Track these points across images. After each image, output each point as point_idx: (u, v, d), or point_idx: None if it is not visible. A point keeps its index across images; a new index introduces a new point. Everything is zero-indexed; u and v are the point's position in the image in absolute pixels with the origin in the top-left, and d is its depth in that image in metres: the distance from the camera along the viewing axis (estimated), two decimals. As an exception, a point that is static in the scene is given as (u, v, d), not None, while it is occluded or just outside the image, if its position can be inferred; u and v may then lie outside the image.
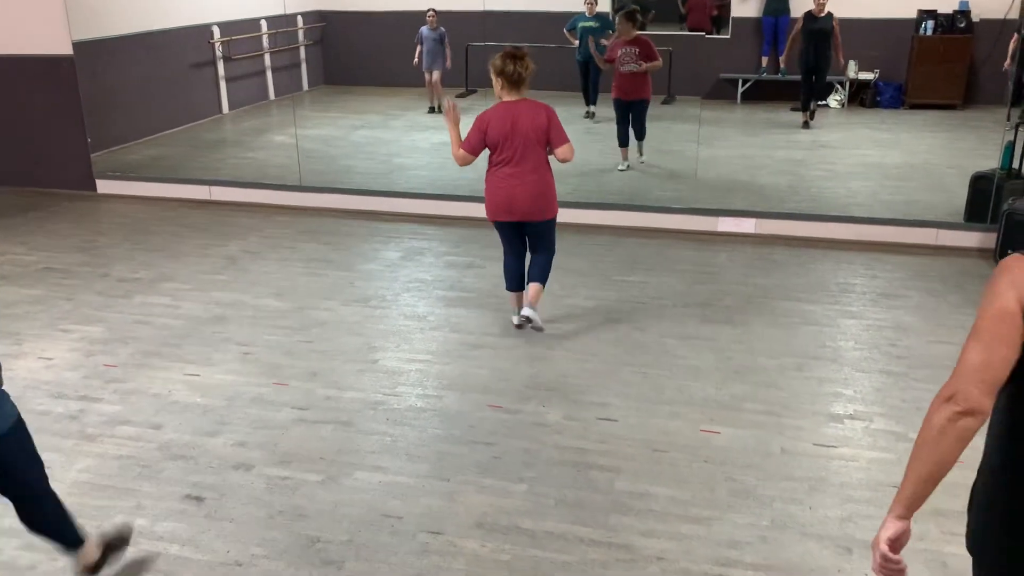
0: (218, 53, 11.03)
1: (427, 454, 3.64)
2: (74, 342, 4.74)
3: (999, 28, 10.31)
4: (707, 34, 11.97)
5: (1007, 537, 1.73)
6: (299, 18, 12.94)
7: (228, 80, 11.43)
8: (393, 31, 12.60)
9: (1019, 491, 1.70)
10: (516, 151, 4.41)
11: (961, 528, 1.89)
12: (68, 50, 7.66)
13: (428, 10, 10.99)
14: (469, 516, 3.23)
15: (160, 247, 6.35)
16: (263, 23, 11.92)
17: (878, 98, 11.53)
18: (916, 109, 10.92)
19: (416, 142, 9.93)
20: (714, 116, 10.51)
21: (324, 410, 4.00)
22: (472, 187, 7.16)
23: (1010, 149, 6.36)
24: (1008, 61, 8.42)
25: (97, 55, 8.32)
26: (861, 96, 11.65)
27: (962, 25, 10.67)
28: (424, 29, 11.11)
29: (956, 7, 10.71)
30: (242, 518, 3.24)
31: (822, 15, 9.70)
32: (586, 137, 9.56)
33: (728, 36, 11.95)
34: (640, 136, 8.24)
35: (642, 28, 8.19)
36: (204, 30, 10.81)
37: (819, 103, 10.71)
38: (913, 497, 1.69)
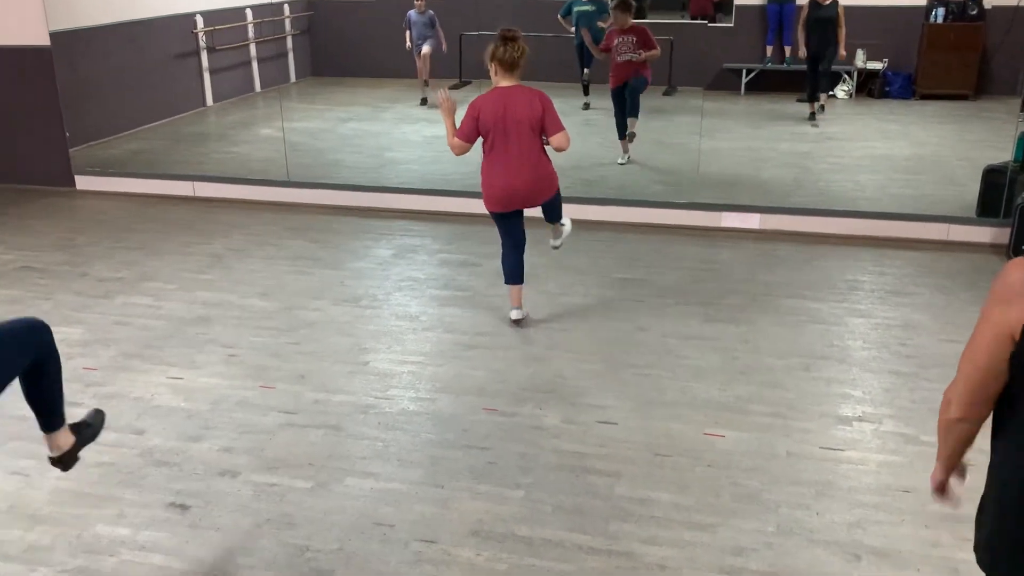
0: (201, 43, 11.01)
1: (420, 459, 3.64)
2: (52, 344, 4.73)
3: (1012, 15, 10.33)
4: (710, 22, 11.97)
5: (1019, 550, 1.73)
6: (286, 7, 12.91)
7: (212, 71, 11.41)
8: (383, 20, 12.59)
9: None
10: (509, 138, 4.43)
11: (972, 533, 1.89)
12: (45, 41, 7.64)
13: None
14: (464, 524, 3.23)
15: (142, 245, 6.33)
16: (248, 12, 11.90)
17: (887, 88, 11.55)
18: (926, 99, 10.94)
19: (407, 135, 9.93)
20: (717, 107, 10.52)
21: (313, 414, 4.00)
22: (465, 182, 7.15)
23: (1024, 141, 6.38)
24: None
25: (75, 46, 8.30)
26: (869, 86, 11.66)
27: (974, 12, 10.69)
28: (412, 13, 11.10)
29: (967, -6, 10.74)
30: (228, 527, 3.23)
31: (827, 2, 9.69)
32: (584, 129, 9.56)
33: (731, 24, 11.96)
34: (633, 111, 8.00)
35: (640, 16, 8.15)
36: (187, 19, 10.78)
37: (826, 94, 10.71)
38: (948, 462, 1.95)
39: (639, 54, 7.74)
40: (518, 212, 4.70)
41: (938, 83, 10.95)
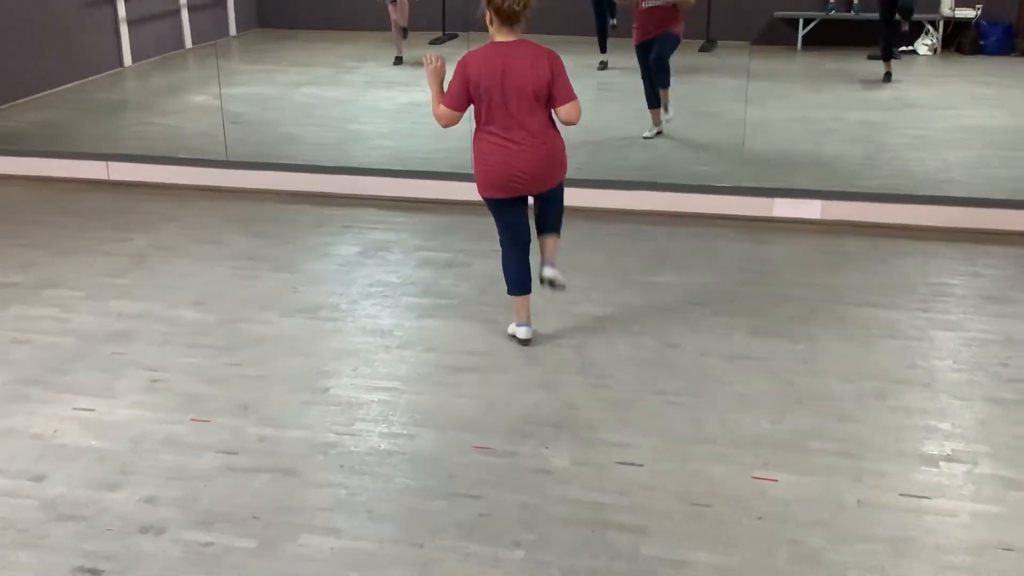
0: (118, -12, 11.04)
1: (394, 512, 3.63)
2: (-70, 368, 4.72)
3: None
4: (757, -40, 12.01)
5: None
6: (224, -59, 12.98)
7: (131, 23, 11.42)
8: (347, -42, 12.64)
9: None
10: (509, 106, 4.42)
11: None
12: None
13: None
14: (450, 592, 3.22)
15: (43, 242, 6.33)
16: (177, -52, 11.94)
17: (980, 42, 11.58)
18: (1030, 56, 10.98)
19: (377, 103, 9.94)
20: (767, 67, 10.54)
21: (259, 455, 3.99)
22: (452, 161, 7.16)
23: None
24: None
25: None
26: (958, 40, 11.70)
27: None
28: None
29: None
30: (151, 597, 3.22)
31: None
32: (599, 96, 9.59)
33: (784, -38, 12.01)
34: (662, 82, 8.05)
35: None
36: (99, -42, 10.81)
37: (904, 49, 10.75)
38: None
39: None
40: (520, 199, 4.70)
41: (1045, 36, 10.99)
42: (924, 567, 3.32)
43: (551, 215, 4.83)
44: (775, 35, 12.12)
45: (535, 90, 4.42)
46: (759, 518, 3.57)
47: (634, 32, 8.03)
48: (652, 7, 7.78)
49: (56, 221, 6.73)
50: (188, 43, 12.50)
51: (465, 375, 4.61)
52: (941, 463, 3.90)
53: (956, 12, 11.42)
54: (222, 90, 8.91)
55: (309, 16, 13.62)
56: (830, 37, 11.92)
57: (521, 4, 4.39)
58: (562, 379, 4.57)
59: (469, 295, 5.46)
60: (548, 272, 4.86)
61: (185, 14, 12.41)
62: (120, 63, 11.36)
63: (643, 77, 8.14)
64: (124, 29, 11.31)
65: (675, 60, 8.04)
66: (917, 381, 4.53)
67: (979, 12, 11.41)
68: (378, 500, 3.70)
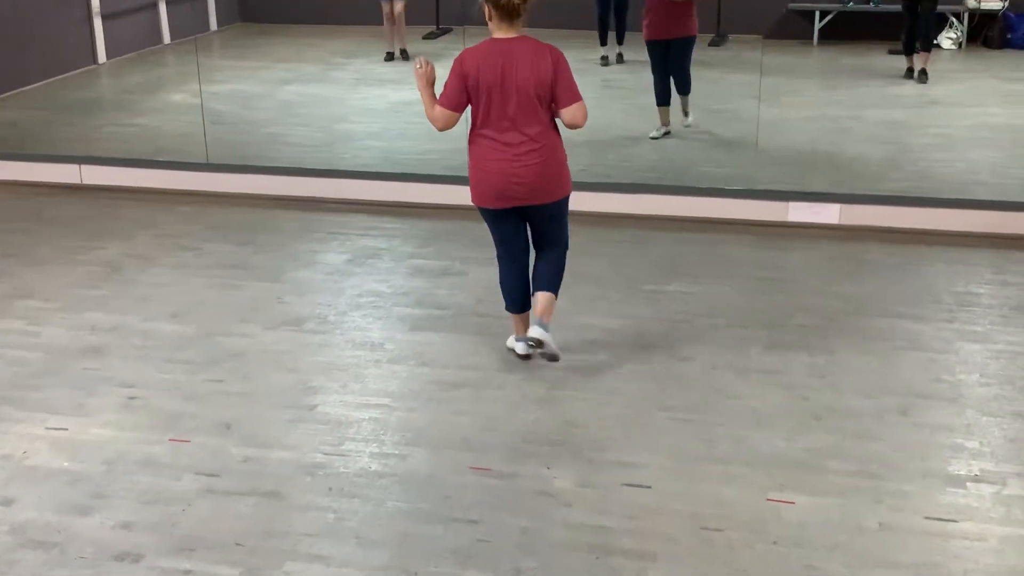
0: (92, -20, 11.06)
1: (385, 537, 3.63)
2: None
3: None
4: (770, -52, 12.04)
5: None
6: (204, -70, 13.00)
7: (105, 17, 11.44)
8: (335, -52, 12.67)
9: None
10: (507, 107, 4.40)
11: None
12: None
13: None
14: (445, 623, 3.22)
15: (11, 251, 6.33)
16: (154, -62, 11.97)
17: (1008, 35, 11.59)
18: (1062, 50, 11.01)
19: (368, 101, 9.95)
20: (781, 62, 10.55)
21: (241, 476, 3.99)
22: (446, 162, 7.16)
23: None
24: None
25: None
26: (985, 33, 11.71)
27: None
28: None
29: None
30: (127, 629, 3.22)
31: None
32: (603, 93, 9.60)
33: (799, -49, 12.03)
34: (683, 89, 8.24)
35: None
36: (72, -52, 10.83)
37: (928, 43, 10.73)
38: None
39: None
40: (517, 211, 4.63)
41: (1078, 28, 11.02)
42: (950, 595, 3.32)
43: (548, 266, 4.70)
44: (789, 28, 12.14)
45: (537, 90, 4.39)
46: (774, 543, 3.56)
47: (645, 27, 8.06)
48: (669, 2, 7.84)
49: (25, 228, 6.73)
50: (166, 38, 12.51)
51: (461, 391, 4.61)
52: (968, 484, 3.89)
53: (982, 4, 11.44)
54: (202, 88, 8.91)
55: (295, 9, 13.64)
56: (848, 31, 11.93)
57: None
58: (564, 395, 4.56)
59: (465, 306, 5.46)
60: (537, 332, 4.57)
61: (163, 8, 12.43)
62: (94, 60, 11.37)
63: (654, 72, 8.20)
64: (98, 23, 11.33)
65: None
66: (942, 396, 4.52)
67: (1006, 3, 11.42)
68: (368, 525, 3.69)
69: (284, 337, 5.14)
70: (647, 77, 8.24)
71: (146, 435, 4.28)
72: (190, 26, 12.78)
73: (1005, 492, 3.84)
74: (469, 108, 4.54)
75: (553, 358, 4.67)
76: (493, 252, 4.87)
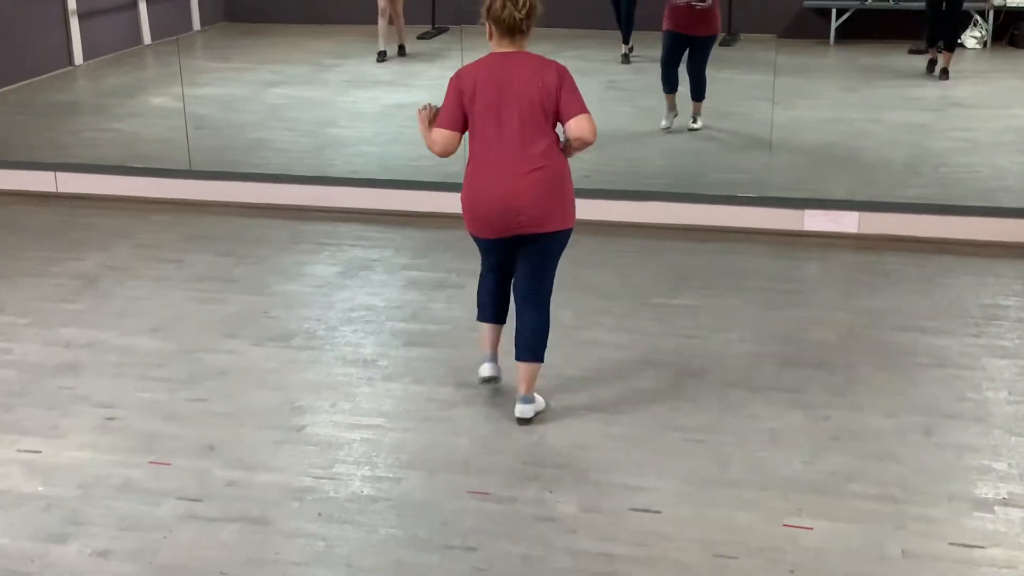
0: (68, -23, 11.09)
1: (378, 565, 3.62)
2: None
3: None
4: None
5: None
6: (186, -75, 13.04)
7: (82, 17, 11.46)
8: (325, -57, 12.70)
9: None
10: (504, 124, 4.24)
11: None
12: None
13: None
14: (442, 657, 3.21)
15: (-18, 263, 6.34)
16: (134, -67, 12.01)
17: (1035, 34, 11.61)
18: (1092, 49, 11.03)
19: (359, 104, 9.96)
20: (796, 63, 10.57)
21: (225, 501, 3.98)
22: (443, 170, 7.12)
23: None
24: None
25: None
26: (1011, 31, 11.74)
27: None
28: None
29: None
30: (104, 664, 3.21)
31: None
32: (608, 95, 9.61)
33: (815, -54, 12.07)
34: (698, 94, 8.39)
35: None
36: (47, -57, 10.86)
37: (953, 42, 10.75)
38: None
39: None
40: (515, 242, 4.36)
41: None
42: (979, 626, 3.31)
43: (528, 325, 4.45)
44: (805, 27, 12.16)
45: (542, 103, 4.22)
46: (791, 571, 3.55)
47: (666, 20, 8.29)
48: (688, 4, 8.03)
49: (-3, 239, 6.74)
50: (147, 39, 12.55)
51: (458, 410, 4.60)
52: (996, 508, 3.89)
53: (1008, 1, 11.47)
54: (185, 91, 8.92)
55: (282, 8, 13.67)
56: (866, 29, 11.97)
57: (524, 10, 4.20)
58: (568, 414, 4.56)
59: (462, 320, 5.45)
60: (524, 410, 4.47)
61: (143, 7, 12.46)
62: (70, 61, 11.39)
63: (664, 61, 8.39)
64: (74, 23, 11.35)
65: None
66: (968, 415, 4.52)
67: (1034, 0, 11.46)
68: (361, 553, 3.68)
69: (271, 354, 5.13)
70: (652, 77, 8.29)
71: (124, 458, 4.27)
72: (172, 26, 12.82)
73: (1036, 517, 3.84)
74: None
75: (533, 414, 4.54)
76: (480, 263, 4.77)
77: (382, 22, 11.42)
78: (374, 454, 4.28)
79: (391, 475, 4.13)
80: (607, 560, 3.62)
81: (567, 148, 4.35)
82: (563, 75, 4.27)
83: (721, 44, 11.16)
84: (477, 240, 4.51)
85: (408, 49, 11.61)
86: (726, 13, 11.03)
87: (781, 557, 3.62)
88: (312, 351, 5.17)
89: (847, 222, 6.59)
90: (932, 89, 10.03)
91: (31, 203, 7.40)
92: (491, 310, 4.65)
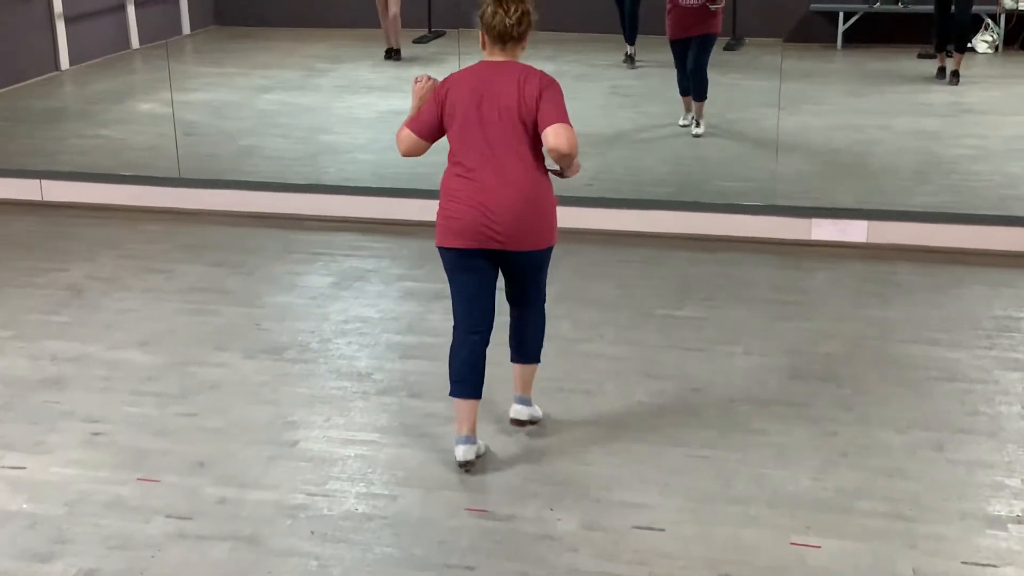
0: (54, -20, 11.10)
1: (374, 585, 3.62)
2: None
3: None
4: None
5: None
6: (176, -74, 13.06)
7: (69, 20, 11.47)
8: (318, -55, 12.72)
9: None
10: (486, 132, 4.11)
11: None
12: None
13: None
14: None
15: (-35, 273, 6.34)
16: (122, -66, 12.03)
17: (1049, 38, 11.63)
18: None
19: (353, 110, 9.97)
20: (803, 67, 10.59)
21: (216, 519, 3.98)
22: (440, 178, 7.15)
23: None
24: None
25: None
26: (1023, 36, 11.76)
27: None
28: None
29: None
30: None
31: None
32: (611, 101, 9.62)
33: (822, -52, 12.10)
34: (699, 94, 8.43)
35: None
36: (32, -55, 10.88)
37: (963, 44, 10.78)
38: None
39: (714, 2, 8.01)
40: (488, 259, 4.20)
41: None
42: (992, 647, 3.32)
43: (527, 328, 4.40)
44: (811, 31, 12.19)
45: (520, 113, 4.08)
46: (799, 591, 3.56)
47: (668, 27, 8.39)
48: (688, 7, 8.14)
49: (-19, 249, 6.74)
50: (135, 43, 12.56)
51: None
52: (1010, 525, 3.89)
53: (1020, 4, 11.49)
54: (174, 97, 8.93)
55: (274, 11, 13.69)
56: (875, 33, 11.99)
57: (515, 16, 4.06)
58: (569, 430, 4.56)
59: (460, 332, 5.46)
60: (520, 411, 4.48)
61: (131, 10, 12.48)
62: (56, 66, 11.40)
63: (678, 68, 8.51)
64: (61, 27, 11.36)
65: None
66: (981, 430, 4.52)
67: (1047, 3, 11.48)
68: (355, 572, 3.68)
69: (263, 367, 5.14)
70: (656, 83, 8.33)
71: (112, 474, 4.26)
72: (160, 30, 12.83)
73: (1050, 535, 3.84)
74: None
75: (533, 422, 4.55)
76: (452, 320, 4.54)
77: (383, 18, 11.52)
78: (369, 470, 4.28)
79: (387, 492, 4.13)
80: (609, 580, 3.62)
81: (561, 172, 4.20)
82: (546, 85, 4.10)
83: (726, 48, 11.20)
84: (449, 257, 4.25)
85: (404, 53, 11.63)
86: (730, 17, 11.06)
87: (788, 575, 3.63)
88: (305, 364, 5.17)
89: (855, 231, 6.59)
90: (942, 95, 10.04)
91: (15, 212, 7.40)
92: (469, 385, 4.27)
